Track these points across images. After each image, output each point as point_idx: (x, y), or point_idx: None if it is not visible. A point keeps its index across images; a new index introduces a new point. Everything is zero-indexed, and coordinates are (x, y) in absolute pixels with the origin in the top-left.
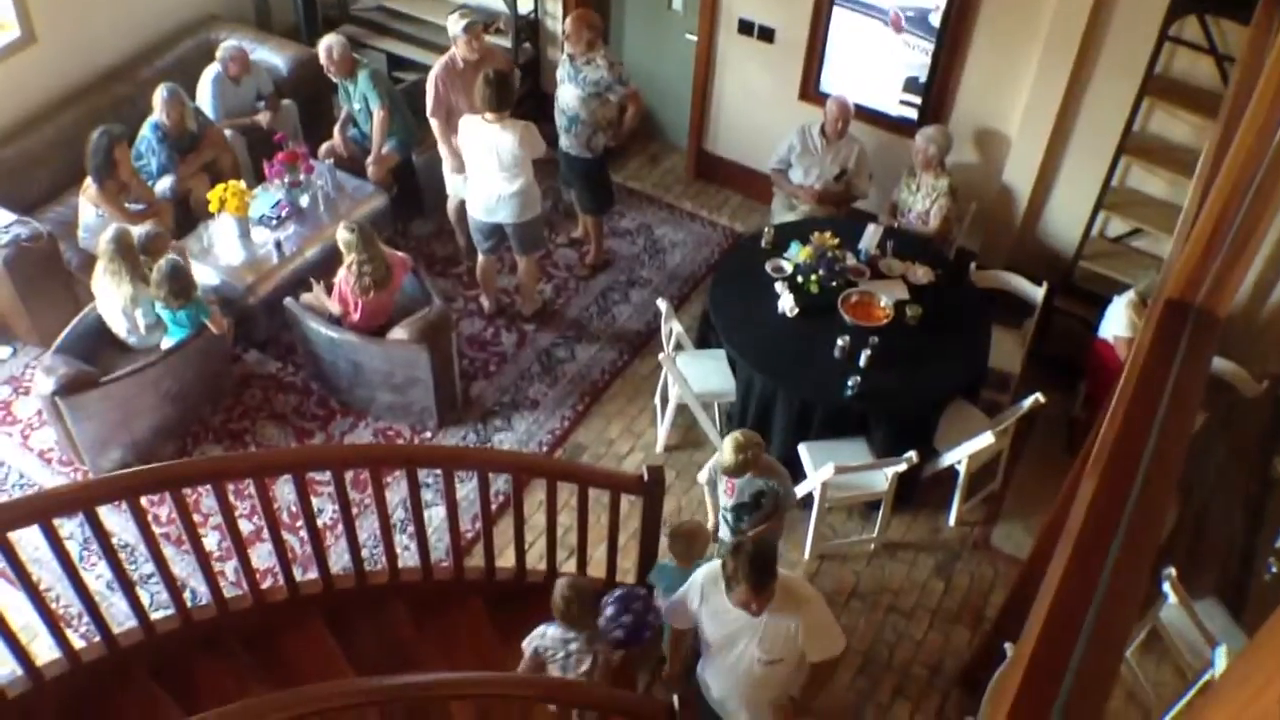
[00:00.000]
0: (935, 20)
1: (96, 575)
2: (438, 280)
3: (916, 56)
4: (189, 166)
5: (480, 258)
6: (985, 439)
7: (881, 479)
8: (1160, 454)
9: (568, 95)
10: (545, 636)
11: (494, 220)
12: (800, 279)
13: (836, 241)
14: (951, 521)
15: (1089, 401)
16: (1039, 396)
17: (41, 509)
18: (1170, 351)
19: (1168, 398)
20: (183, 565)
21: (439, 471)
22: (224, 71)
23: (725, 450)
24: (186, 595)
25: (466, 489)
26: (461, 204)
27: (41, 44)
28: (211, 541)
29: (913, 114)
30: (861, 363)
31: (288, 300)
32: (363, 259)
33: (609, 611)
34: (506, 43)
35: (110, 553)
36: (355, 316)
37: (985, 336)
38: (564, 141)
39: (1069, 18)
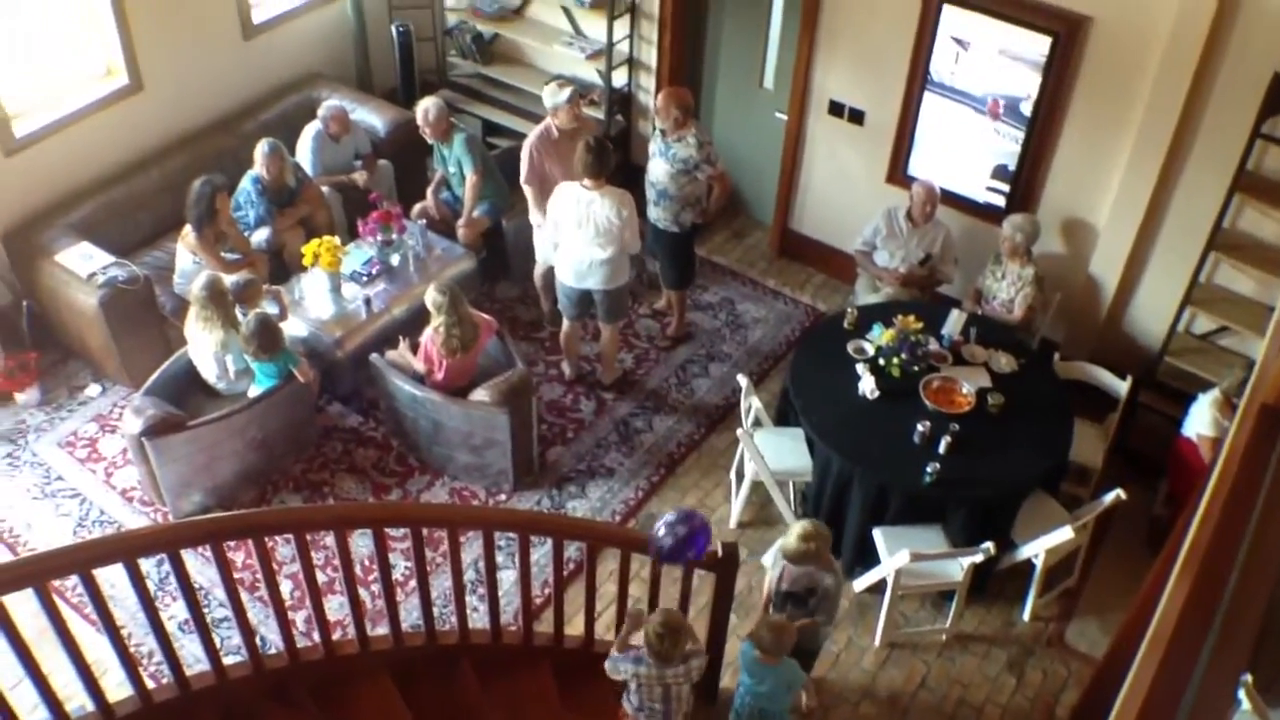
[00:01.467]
0: (1026, 109)
1: (169, 616)
2: (521, 344)
3: (1006, 144)
4: (286, 220)
5: (565, 324)
6: (1064, 534)
7: (957, 569)
8: (1254, 561)
9: (658, 170)
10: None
11: (583, 286)
12: (882, 361)
13: (920, 325)
14: (1026, 616)
15: (1170, 499)
16: (1120, 493)
17: (128, 548)
18: (1265, 457)
19: (1262, 504)
20: (253, 612)
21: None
22: (324, 129)
23: (791, 535)
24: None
25: (539, 553)
26: (549, 270)
27: (148, 92)
28: (284, 590)
29: (1000, 201)
30: (941, 449)
31: (373, 356)
32: (450, 320)
33: (663, 523)
34: (599, 114)
35: (190, 595)
36: (439, 376)
37: (1067, 429)
38: (652, 214)
39: (1162, 111)
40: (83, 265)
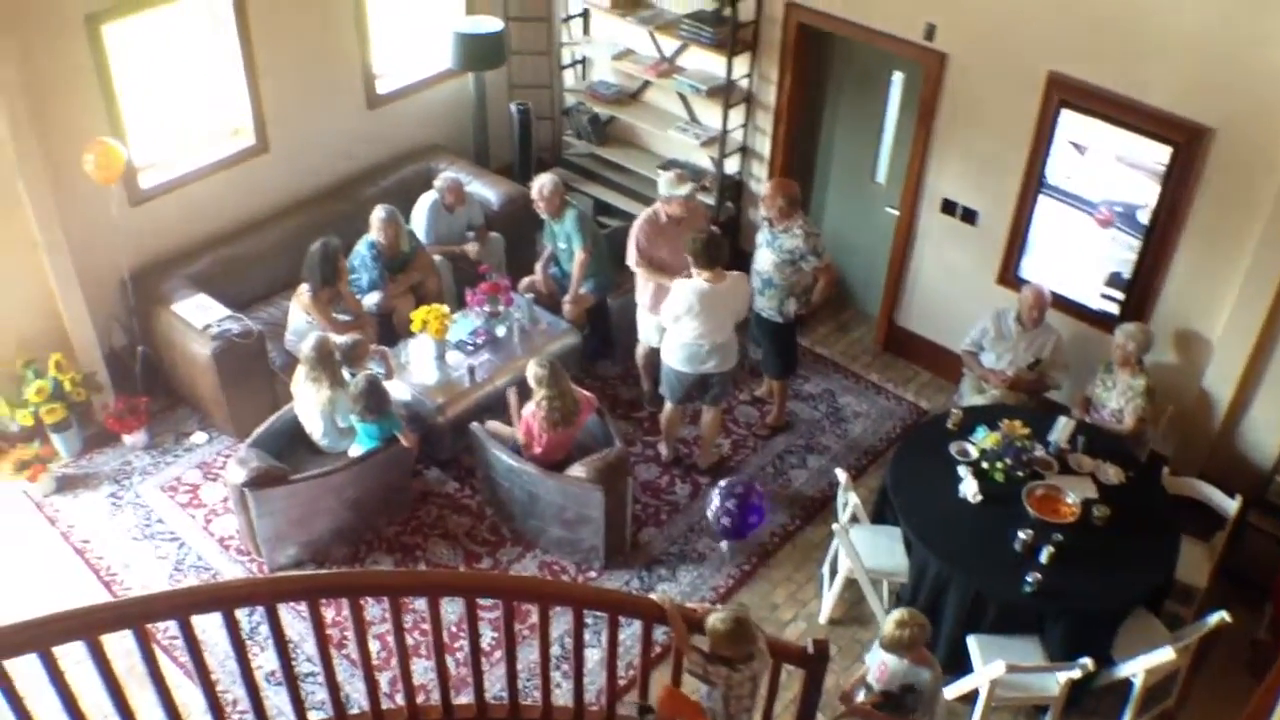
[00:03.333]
0: (1144, 217)
1: (255, 666)
2: (619, 423)
3: (1121, 251)
4: (397, 285)
5: (668, 406)
6: (1165, 654)
7: (1053, 683)
8: None
9: (764, 259)
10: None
11: (701, 371)
12: (985, 465)
13: (1026, 431)
14: None
15: (1275, 625)
16: (1224, 615)
17: (228, 597)
18: None
19: None
20: (338, 670)
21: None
22: (440, 199)
23: (887, 623)
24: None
25: (626, 633)
26: (651, 351)
27: (272, 154)
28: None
29: (1113, 309)
30: (1042, 559)
31: (474, 424)
32: (552, 394)
33: (714, 501)
34: (710, 200)
35: (282, 648)
36: (538, 449)
37: (1173, 546)
38: (758, 302)
39: None
40: (199, 316)
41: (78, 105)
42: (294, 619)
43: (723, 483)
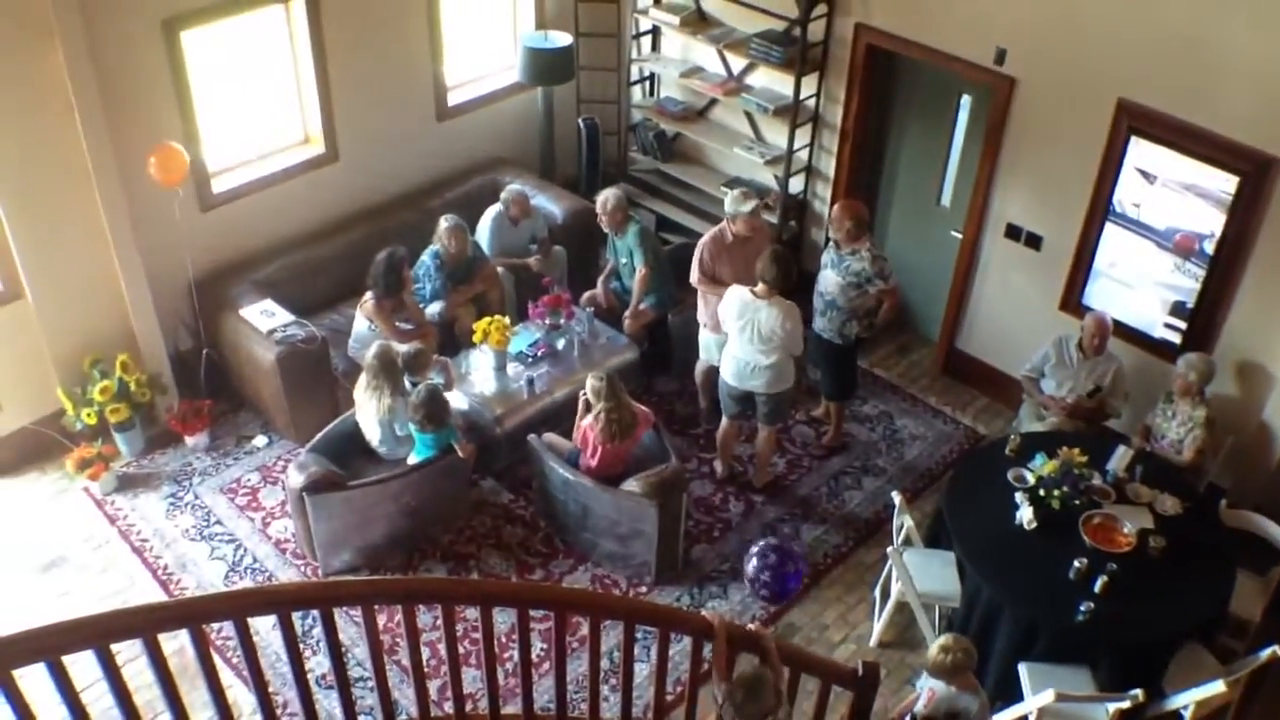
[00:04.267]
0: (1209, 247)
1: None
2: (676, 439)
3: (1185, 281)
4: (460, 296)
5: (723, 422)
6: (1216, 687)
7: (1103, 713)
8: None
9: (829, 280)
10: None
11: (745, 388)
12: (1042, 492)
13: (1084, 459)
14: None
15: None
16: (1277, 649)
17: (285, 600)
18: None
19: None
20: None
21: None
22: (505, 212)
23: (932, 648)
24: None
25: (676, 649)
26: (710, 368)
27: (341, 163)
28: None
29: (1176, 338)
30: (1096, 588)
31: (531, 436)
32: (610, 406)
33: (751, 566)
34: (774, 219)
35: (336, 653)
36: (593, 462)
37: (1229, 579)
38: (818, 323)
39: None
40: (264, 321)
41: (153, 110)
42: (344, 623)
43: (760, 543)
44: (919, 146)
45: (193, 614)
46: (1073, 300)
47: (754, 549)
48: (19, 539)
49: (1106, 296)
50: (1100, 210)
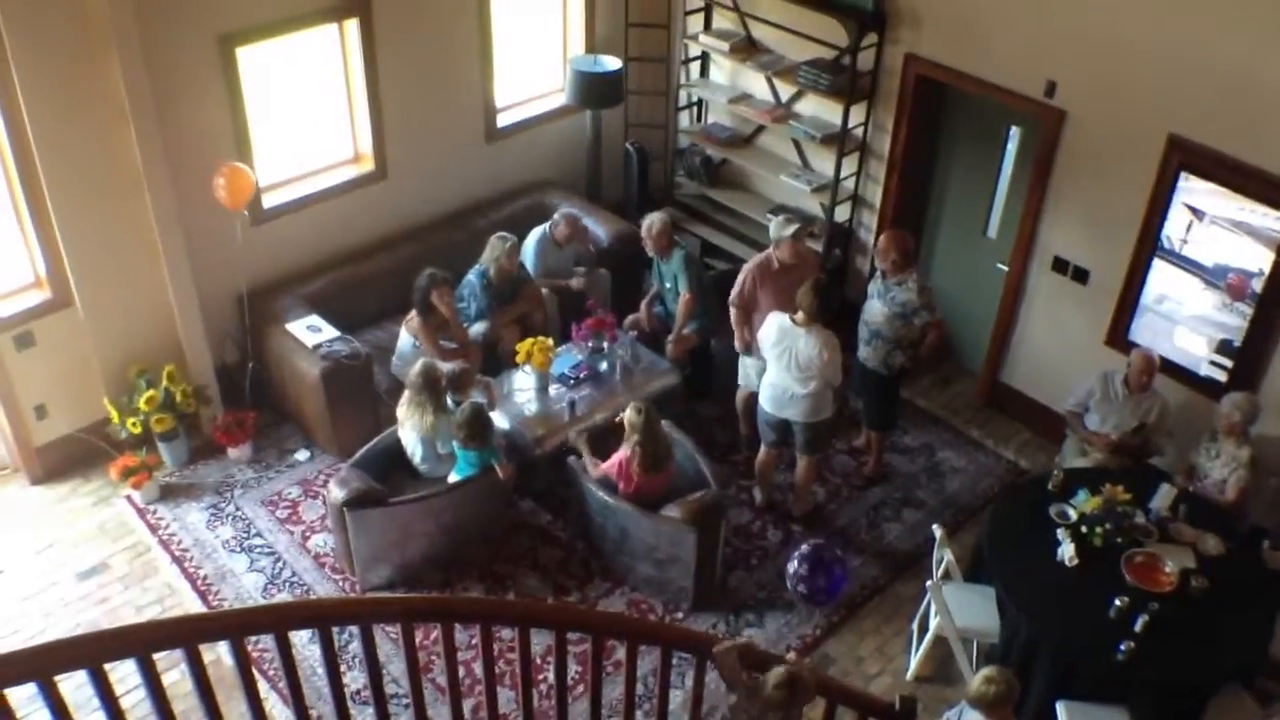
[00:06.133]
0: (1257, 285)
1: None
2: (716, 465)
3: (1233, 319)
4: (504, 316)
5: (762, 450)
6: None
7: None
8: None
9: (874, 310)
10: None
11: (782, 415)
12: (1084, 529)
13: (1128, 496)
14: None
15: None
16: None
17: (324, 614)
18: None
19: None
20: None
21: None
22: (550, 233)
23: (975, 679)
24: None
25: (712, 676)
26: (750, 395)
27: (390, 181)
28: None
29: (1221, 376)
30: (1137, 627)
31: (571, 458)
32: (645, 439)
33: (792, 564)
34: (819, 247)
35: (374, 669)
36: (629, 490)
37: (1270, 622)
38: (862, 353)
39: None
40: (310, 336)
41: (207, 123)
42: (381, 639)
43: (802, 548)
44: (966, 177)
45: (235, 625)
46: (1118, 335)
47: (795, 553)
48: (61, 545)
49: (1152, 332)
50: (1148, 245)
